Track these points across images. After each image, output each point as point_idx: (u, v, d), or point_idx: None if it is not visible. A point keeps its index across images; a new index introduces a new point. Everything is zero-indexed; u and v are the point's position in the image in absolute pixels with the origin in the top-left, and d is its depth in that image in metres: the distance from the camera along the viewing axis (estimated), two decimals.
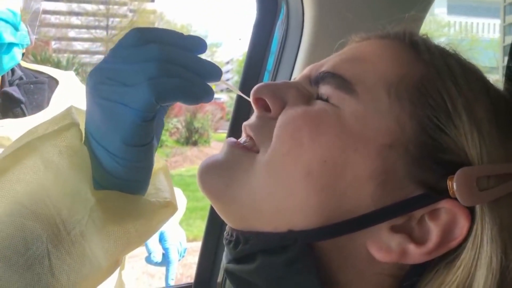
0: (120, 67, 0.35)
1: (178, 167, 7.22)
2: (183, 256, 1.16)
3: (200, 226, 4.05)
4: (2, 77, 0.93)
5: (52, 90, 0.99)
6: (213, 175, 0.40)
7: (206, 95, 0.36)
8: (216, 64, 0.37)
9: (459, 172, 0.34)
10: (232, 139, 0.41)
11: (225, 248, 0.41)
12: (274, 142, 0.38)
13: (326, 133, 0.36)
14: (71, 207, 0.35)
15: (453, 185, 0.34)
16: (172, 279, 1.10)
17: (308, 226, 0.35)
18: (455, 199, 0.34)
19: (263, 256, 0.37)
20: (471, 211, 0.34)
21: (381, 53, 0.39)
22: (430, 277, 0.35)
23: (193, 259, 3.32)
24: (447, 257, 0.35)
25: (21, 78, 0.96)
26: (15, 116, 0.91)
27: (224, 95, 10.64)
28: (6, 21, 0.83)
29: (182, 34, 0.37)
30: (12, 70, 0.95)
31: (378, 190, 0.35)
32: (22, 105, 0.93)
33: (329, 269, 0.36)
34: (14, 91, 0.93)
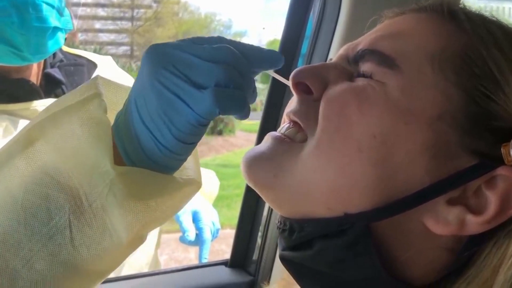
0: (189, 59, 0.34)
1: (204, 156, 7.27)
2: (216, 236, 1.19)
3: (226, 214, 4.08)
4: (44, 59, 0.96)
5: (90, 73, 1.01)
6: (260, 167, 0.39)
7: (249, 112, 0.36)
8: None
9: None
10: (275, 133, 0.41)
11: (279, 236, 0.40)
12: (321, 121, 0.37)
13: (374, 107, 0.36)
14: (91, 179, 0.35)
15: (509, 151, 0.33)
16: (206, 258, 1.13)
17: (363, 206, 0.35)
18: (511, 166, 0.33)
19: (322, 241, 0.36)
20: None
21: (420, 27, 0.39)
22: (490, 248, 0.34)
23: (219, 246, 3.37)
24: (506, 226, 0.34)
25: (61, 61, 0.99)
26: (57, 96, 0.94)
27: None
28: (52, 6, 0.85)
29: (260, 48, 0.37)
30: (54, 53, 0.98)
31: (432, 163, 0.34)
32: (63, 86, 0.96)
33: (387, 247, 0.36)
34: (56, 72, 0.96)
